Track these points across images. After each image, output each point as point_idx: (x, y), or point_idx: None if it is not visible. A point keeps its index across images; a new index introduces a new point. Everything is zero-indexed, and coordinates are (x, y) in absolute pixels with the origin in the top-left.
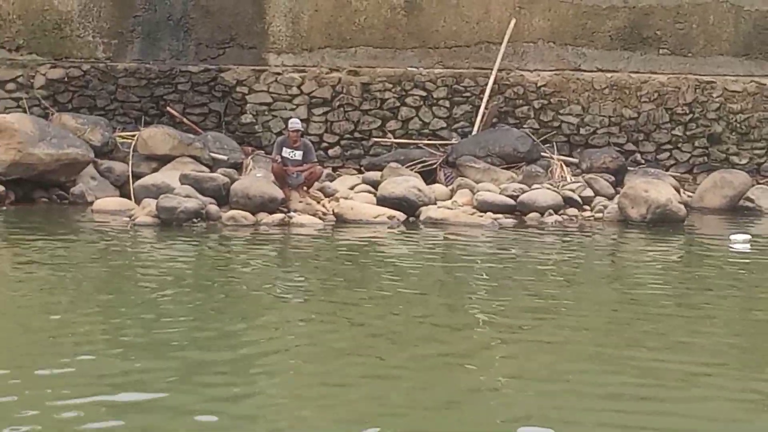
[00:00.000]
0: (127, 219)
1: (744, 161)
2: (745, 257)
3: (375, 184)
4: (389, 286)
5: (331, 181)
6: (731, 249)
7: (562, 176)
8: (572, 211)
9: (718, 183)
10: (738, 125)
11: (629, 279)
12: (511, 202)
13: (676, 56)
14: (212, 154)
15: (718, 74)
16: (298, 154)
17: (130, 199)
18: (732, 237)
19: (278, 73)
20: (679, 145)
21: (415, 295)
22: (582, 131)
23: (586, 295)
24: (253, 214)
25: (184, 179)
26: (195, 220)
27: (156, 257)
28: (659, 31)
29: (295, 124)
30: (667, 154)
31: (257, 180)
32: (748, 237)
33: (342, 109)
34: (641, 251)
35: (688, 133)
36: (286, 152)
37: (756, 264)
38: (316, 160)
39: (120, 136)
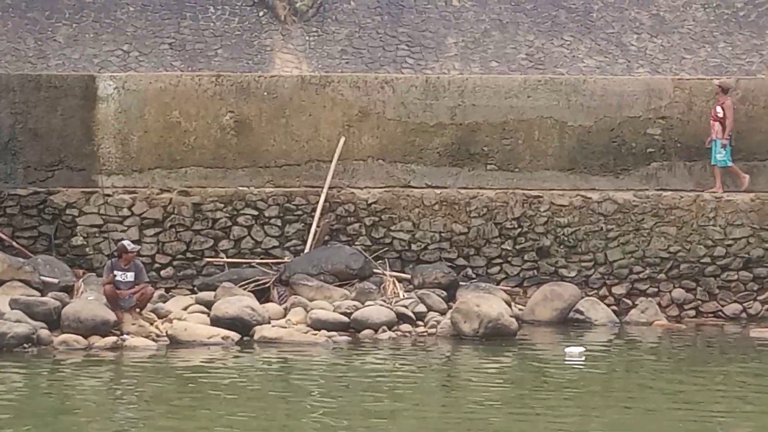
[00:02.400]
0: None
1: (573, 274)
2: (579, 368)
3: (209, 304)
4: (220, 416)
5: (164, 302)
6: (566, 361)
7: (394, 292)
8: (406, 326)
9: (548, 296)
10: (566, 238)
11: (462, 395)
12: (345, 319)
13: (504, 171)
14: (43, 278)
15: (544, 189)
16: (129, 276)
17: None
18: (567, 350)
19: (108, 195)
20: (509, 258)
21: (250, 419)
22: (413, 247)
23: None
24: (85, 337)
25: (14, 304)
26: (26, 345)
27: None
28: (486, 147)
29: (130, 245)
30: (498, 268)
31: (89, 303)
32: (582, 349)
33: (174, 229)
34: (475, 366)
35: (517, 247)
36: (118, 274)
37: (588, 375)
38: (147, 280)
39: None
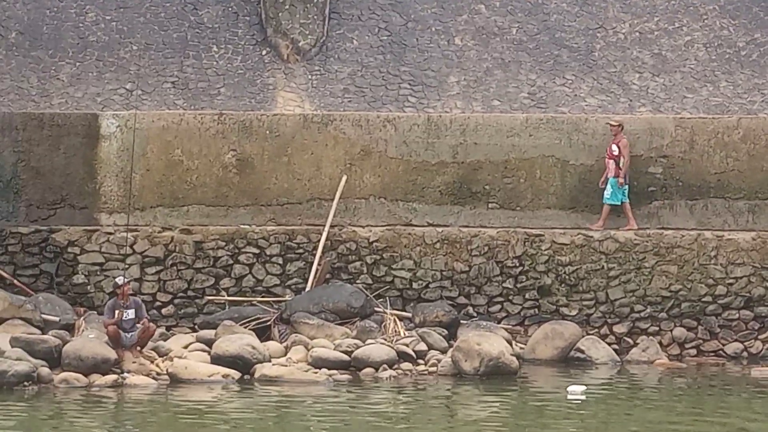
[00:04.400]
0: None
1: (574, 312)
2: (580, 406)
3: (209, 343)
4: None
5: (165, 340)
6: (568, 399)
7: (395, 331)
8: (406, 365)
9: (549, 334)
10: (567, 277)
11: None
12: (346, 357)
13: (505, 210)
14: (44, 316)
15: (546, 227)
16: (130, 313)
17: None
18: (569, 389)
19: (110, 233)
20: (510, 297)
21: None
22: (414, 285)
23: None
24: (86, 375)
25: (15, 342)
26: (26, 383)
27: None
28: (488, 185)
29: (121, 279)
30: (499, 306)
31: (89, 341)
32: (584, 388)
33: (175, 267)
34: (476, 404)
35: (518, 285)
36: (119, 314)
37: (590, 413)
38: (147, 316)
39: None
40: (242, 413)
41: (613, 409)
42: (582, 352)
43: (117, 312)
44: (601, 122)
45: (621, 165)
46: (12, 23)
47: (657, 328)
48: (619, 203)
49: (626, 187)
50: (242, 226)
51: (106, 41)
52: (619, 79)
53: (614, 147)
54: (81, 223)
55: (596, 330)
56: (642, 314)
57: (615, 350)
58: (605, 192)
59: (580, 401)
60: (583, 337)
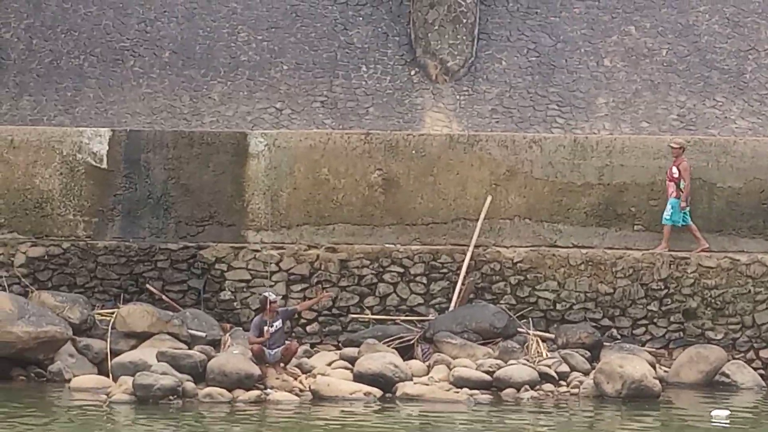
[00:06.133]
0: (104, 397)
1: (719, 336)
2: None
3: (352, 360)
4: None
5: (309, 357)
6: (712, 423)
7: (538, 352)
8: (548, 386)
9: (694, 358)
10: (713, 300)
11: None
12: (487, 377)
13: (651, 232)
14: (190, 331)
15: (692, 250)
16: (277, 324)
17: (108, 376)
18: (714, 413)
19: (257, 251)
20: (655, 320)
21: None
22: (558, 307)
23: None
24: (230, 390)
25: (161, 356)
26: (171, 397)
27: None
28: (633, 207)
29: (272, 296)
30: (643, 329)
31: (234, 356)
32: (728, 413)
33: (320, 285)
34: (618, 427)
35: (663, 308)
36: (267, 328)
37: None
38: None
39: (99, 314)
40: (383, 431)
41: None
42: (727, 376)
43: (265, 329)
44: (750, 145)
45: (682, 188)
46: (166, 43)
47: None
48: (680, 224)
49: (688, 209)
50: (387, 245)
51: (257, 61)
52: None
53: (674, 169)
54: (228, 240)
55: (742, 354)
56: None
57: (761, 375)
58: (664, 213)
59: (724, 425)
60: (728, 361)
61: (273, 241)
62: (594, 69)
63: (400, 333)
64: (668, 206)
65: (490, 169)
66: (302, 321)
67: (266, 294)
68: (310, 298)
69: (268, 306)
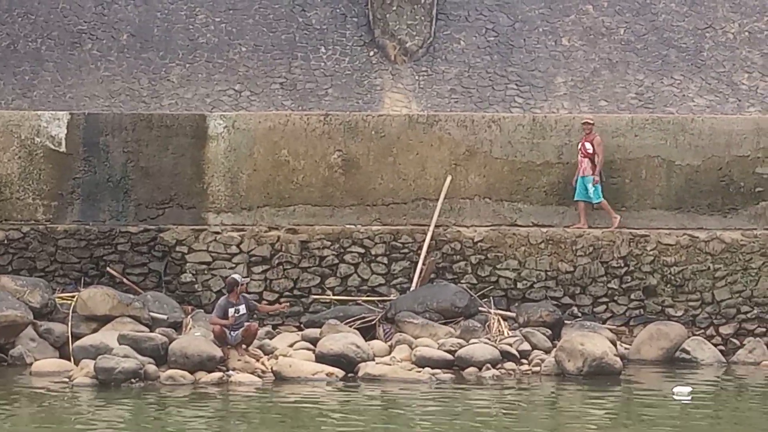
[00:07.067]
0: (66, 380)
1: (679, 313)
2: (685, 408)
3: (314, 341)
4: None
5: (271, 338)
6: (675, 400)
7: (499, 330)
8: (510, 365)
9: (654, 335)
10: (672, 278)
11: None
12: (449, 357)
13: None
14: (152, 314)
15: (651, 228)
16: (242, 308)
17: (69, 360)
18: (675, 390)
19: (217, 233)
20: (615, 298)
21: None
22: (519, 285)
23: None
24: (192, 373)
25: (123, 339)
26: (133, 380)
27: (91, 421)
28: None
29: (240, 278)
30: (604, 307)
31: (195, 339)
32: (690, 389)
33: (281, 267)
34: (579, 404)
35: (623, 286)
36: (232, 312)
37: (695, 414)
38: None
39: (60, 297)
40: (346, 411)
41: (720, 411)
42: (687, 353)
43: (231, 312)
44: (707, 122)
45: (596, 162)
46: (123, 25)
47: (764, 330)
48: (599, 200)
49: (600, 185)
50: (348, 226)
51: (215, 43)
52: (728, 80)
53: (588, 145)
54: (189, 223)
55: (702, 331)
56: (749, 315)
57: (721, 351)
58: (588, 191)
59: (686, 402)
60: (688, 338)
61: (233, 222)
62: (552, 48)
63: (362, 313)
64: (588, 185)
65: (449, 149)
66: (264, 302)
67: (235, 276)
68: (271, 280)
69: (237, 288)
